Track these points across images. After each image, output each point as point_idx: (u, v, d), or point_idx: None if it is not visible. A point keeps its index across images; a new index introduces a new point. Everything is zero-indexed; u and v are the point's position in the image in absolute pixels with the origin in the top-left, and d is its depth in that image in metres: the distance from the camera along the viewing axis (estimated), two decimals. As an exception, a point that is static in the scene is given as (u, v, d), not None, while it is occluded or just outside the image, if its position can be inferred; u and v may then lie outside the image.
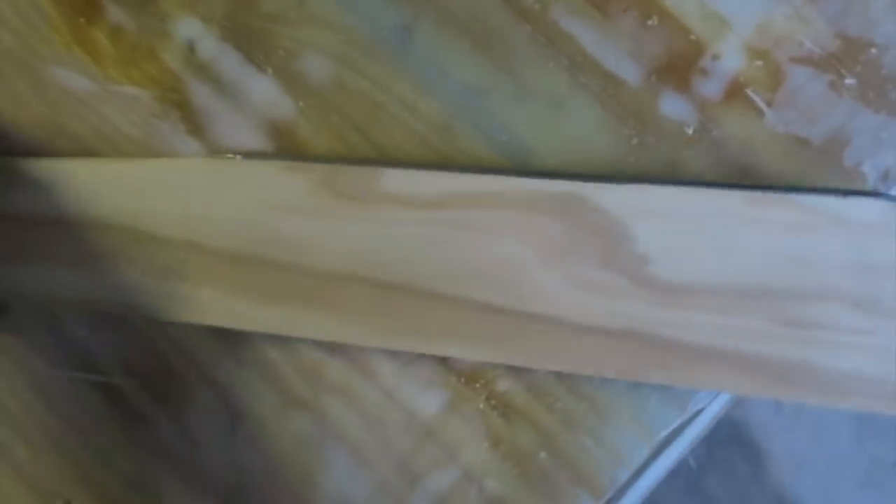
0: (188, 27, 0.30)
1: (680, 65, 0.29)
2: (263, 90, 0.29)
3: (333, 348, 0.29)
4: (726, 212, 0.26)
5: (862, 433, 0.68)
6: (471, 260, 0.27)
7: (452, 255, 0.27)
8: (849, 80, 0.29)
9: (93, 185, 0.29)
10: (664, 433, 0.28)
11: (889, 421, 0.68)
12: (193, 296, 0.28)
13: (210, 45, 0.30)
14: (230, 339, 0.29)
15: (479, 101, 0.29)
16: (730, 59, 0.29)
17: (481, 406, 0.28)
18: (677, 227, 0.26)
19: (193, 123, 0.30)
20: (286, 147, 0.29)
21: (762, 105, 0.29)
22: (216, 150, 0.30)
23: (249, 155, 0.29)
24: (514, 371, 0.28)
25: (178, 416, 0.29)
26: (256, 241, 0.28)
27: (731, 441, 0.69)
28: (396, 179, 0.27)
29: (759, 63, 0.29)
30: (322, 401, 0.29)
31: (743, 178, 0.28)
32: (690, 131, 0.29)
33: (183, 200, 0.28)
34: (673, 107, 0.29)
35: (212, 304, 0.28)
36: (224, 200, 0.28)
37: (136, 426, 0.30)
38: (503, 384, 0.28)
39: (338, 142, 0.29)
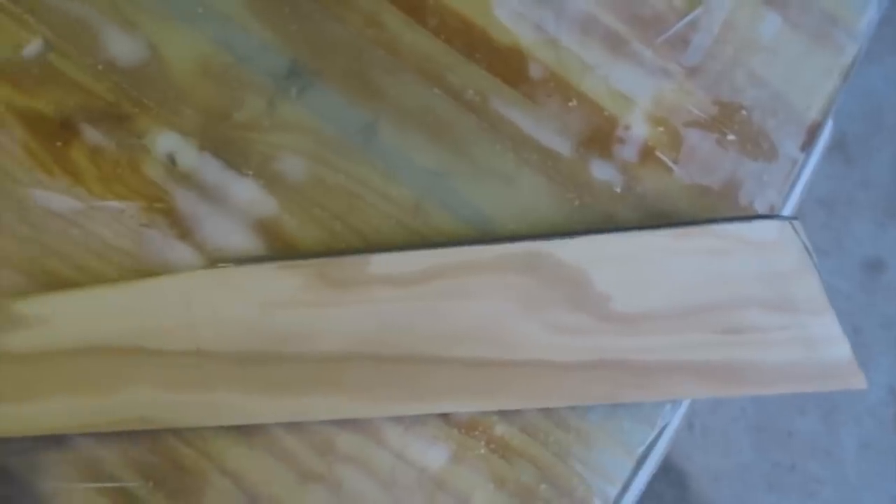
0: (166, 141, 0.32)
1: (600, 136, 0.35)
2: (246, 191, 0.32)
3: (342, 422, 0.31)
4: (660, 248, 0.32)
5: (761, 442, 0.76)
6: (456, 323, 0.31)
7: (439, 322, 0.30)
8: (730, 137, 0.35)
9: (93, 314, 0.30)
10: (641, 449, 0.32)
11: (781, 428, 0.77)
12: (207, 400, 0.30)
13: (190, 156, 0.32)
14: (238, 426, 0.31)
15: (441, 182, 0.33)
16: (638, 128, 0.35)
17: (482, 452, 0.31)
18: (624, 266, 0.31)
19: (182, 228, 0.32)
20: (274, 241, 0.32)
21: (670, 163, 0.35)
22: (209, 257, 0.32)
23: (241, 261, 0.31)
24: (507, 415, 0.32)
25: (197, 511, 0.30)
26: (261, 339, 0.30)
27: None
28: (381, 263, 0.31)
29: (661, 129, 0.35)
30: (336, 471, 0.31)
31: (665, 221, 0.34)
32: (619, 189, 0.34)
33: (186, 313, 0.30)
34: (601, 171, 0.34)
35: (225, 406, 0.30)
36: (226, 306, 0.30)
37: (147, 530, 0.30)
38: (500, 429, 0.31)
39: (322, 232, 0.32)
